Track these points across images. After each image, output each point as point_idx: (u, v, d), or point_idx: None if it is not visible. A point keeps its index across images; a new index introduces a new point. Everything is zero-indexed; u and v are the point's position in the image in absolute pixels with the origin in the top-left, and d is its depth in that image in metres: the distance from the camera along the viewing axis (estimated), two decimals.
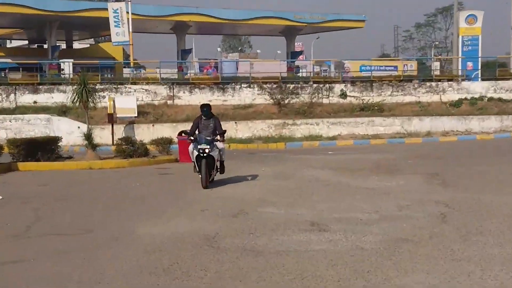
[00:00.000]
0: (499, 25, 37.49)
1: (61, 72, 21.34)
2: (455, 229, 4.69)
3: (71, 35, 30.79)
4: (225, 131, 7.86)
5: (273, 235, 4.46)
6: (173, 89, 18.68)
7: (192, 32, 29.11)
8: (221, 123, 7.89)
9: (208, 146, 7.29)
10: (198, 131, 7.67)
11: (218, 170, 7.85)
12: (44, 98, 17.91)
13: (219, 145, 7.78)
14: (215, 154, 7.46)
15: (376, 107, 17.92)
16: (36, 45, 31.55)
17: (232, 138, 15.63)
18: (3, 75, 22.26)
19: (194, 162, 7.40)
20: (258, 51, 40.50)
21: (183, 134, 9.00)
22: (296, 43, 30.96)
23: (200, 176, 7.22)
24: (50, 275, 3.36)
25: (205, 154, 7.23)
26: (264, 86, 18.45)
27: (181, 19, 25.14)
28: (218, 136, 7.62)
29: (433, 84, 20.22)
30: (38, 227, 5.04)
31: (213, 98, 18.33)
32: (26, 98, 17.78)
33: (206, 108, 7.82)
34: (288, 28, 27.92)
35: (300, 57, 29.98)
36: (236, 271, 3.30)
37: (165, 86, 18.88)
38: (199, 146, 7.28)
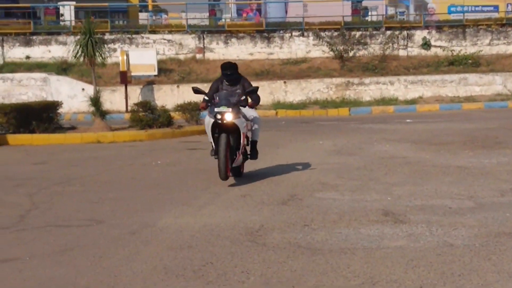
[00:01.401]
0: None
1: (61, 18, 19.82)
2: None
3: None
4: (258, 98, 6.07)
5: (335, 228, 4.29)
6: (203, 39, 17.36)
7: None
8: (258, 87, 6.24)
9: (230, 109, 5.44)
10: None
11: (249, 154, 6.06)
12: (39, 51, 16.75)
13: (249, 112, 5.94)
14: (242, 124, 5.57)
15: (470, 60, 16.25)
16: None
17: (281, 103, 14.75)
18: None
19: (210, 138, 5.64)
20: None
21: (203, 103, 6.49)
22: None
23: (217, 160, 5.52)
24: (49, 278, 3.19)
25: (224, 121, 5.38)
26: (322, 34, 16.83)
27: None
28: (249, 101, 5.91)
29: None
30: (34, 216, 5.12)
31: (255, 50, 17.31)
32: (17, 52, 16.48)
33: (230, 71, 6.01)
34: None
35: None
36: (287, 274, 3.13)
37: (193, 35, 17.51)
38: (216, 109, 5.44)
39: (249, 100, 5.65)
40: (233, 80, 5.76)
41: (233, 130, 5.37)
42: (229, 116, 5.20)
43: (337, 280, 2.81)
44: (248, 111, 5.79)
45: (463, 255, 3.22)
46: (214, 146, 5.33)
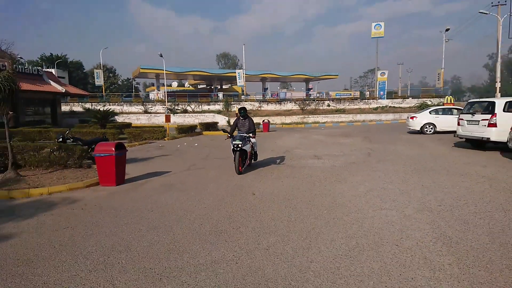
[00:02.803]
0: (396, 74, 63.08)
1: (217, 97, 47.92)
2: (374, 159, 10.87)
3: (222, 82, 62.06)
4: (255, 129, 9.79)
5: (299, 160, 10.59)
6: (260, 103, 43.71)
7: (267, 80, 58.52)
8: (254, 122, 9.95)
9: (241, 142, 9.01)
10: (238, 129, 9.80)
11: (253, 158, 9.99)
12: (211, 107, 43.04)
13: (252, 140, 9.70)
14: (247, 147, 9.24)
15: (341, 110, 40.89)
16: (206, 86, 63.78)
17: (283, 122, 38.05)
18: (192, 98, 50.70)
19: (232, 154, 9.33)
20: (294, 88, 79.39)
21: (227, 136, 10.05)
22: (310, 84, 63.14)
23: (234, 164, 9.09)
24: (219, 184, 7.92)
25: (238, 148, 8.97)
26: (296, 102, 43.37)
27: (263, 75, 53.25)
28: (251, 134, 9.58)
29: (366, 100, 42.69)
30: (211, 156, 12.04)
31: (274, 107, 42.51)
32: (204, 107, 43.54)
33: (243, 110, 9.71)
34: (307, 78, 57.33)
35: (311, 90, 58.58)
36: (288, 171, 9.09)
37: (257, 102, 43.76)
38: (233, 142, 9.07)
39: (251, 134, 9.66)
40: (244, 116, 9.75)
41: (243, 151, 9.23)
42: (241, 145, 9.07)
43: (299, 174, 8.83)
44: (252, 140, 9.74)
45: (339, 168, 9.50)
46: (234, 158, 9.18)
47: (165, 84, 42.56)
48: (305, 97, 46.08)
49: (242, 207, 6.33)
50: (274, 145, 16.08)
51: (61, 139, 11.54)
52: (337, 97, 45.58)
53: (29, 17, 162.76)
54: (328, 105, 42.33)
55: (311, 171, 9.52)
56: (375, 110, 40.77)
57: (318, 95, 49.65)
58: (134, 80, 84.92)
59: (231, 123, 32.59)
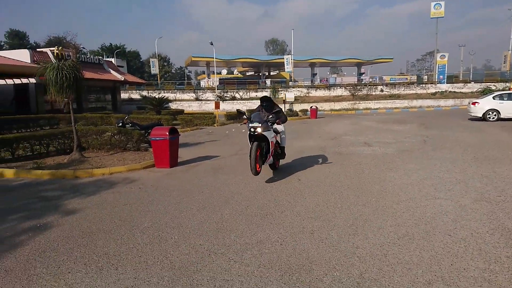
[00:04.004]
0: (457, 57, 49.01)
1: (265, 84, 48.01)
2: (430, 146, 10.24)
3: (269, 69, 61.41)
4: (285, 116, 7.18)
5: (348, 146, 10.38)
6: (308, 90, 42.92)
7: (316, 65, 56.97)
8: (281, 109, 7.16)
9: (260, 124, 6.30)
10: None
11: (279, 156, 7.28)
12: (259, 94, 42.85)
13: (279, 127, 7.11)
14: (269, 135, 6.44)
15: (396, 96, 38.50)
16: (254, 72, 64.24)
17: (332, 109, 36.78)
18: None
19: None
20: (344, 73, 77.15)
21: (244, 119, 7.13)
22: (362, 69, 59.66)
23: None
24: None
25: (255, 133, 6.25)
26: (347, 87, 41.91)
27: (312, 61, 51.59)
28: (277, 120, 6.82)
29: (423, 85, 40.08)
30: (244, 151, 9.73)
31: (323, 93, 41.36)
32: (252, 94, 43.23)
33: (265, 102, 7.01)
34: (358, 62, 53.96)
35: (363, 75, 55.41)
36: (338, 158, 8.91)
37: (305, 88, 43.00)
38: (250, 125, 6.42)
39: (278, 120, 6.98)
40: (268, 108, 7.08)
41: (263, 139, 6.44)
42: (260, 130, 6.29)
43: (348, 160, 8.80)
44: (278, 127, 7.17)
45: (391, 156, 9.06)
46: (250, 150, 6.29)
47: (215, 72, 43.56)
48: (356, 82, 44.50)
49: (287, 192, 6.37)
50: (321, 132, 15.82)
51: (120, 124, 12.33)
52: (392, 82, 43.52)
53: (89, 9, 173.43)
54: (382, 90, 40.53)
55: (360, 158, 9.25)
56: (433, 96, 38.30)
57: (370, 80, 47.72)
58: (186, 69, 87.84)
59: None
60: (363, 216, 5.06)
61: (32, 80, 23.40)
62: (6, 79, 25.37)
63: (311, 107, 26.82)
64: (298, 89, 42.72)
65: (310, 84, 46.04)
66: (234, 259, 3.84)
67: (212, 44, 38.87)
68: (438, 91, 39.55)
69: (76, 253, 4.10)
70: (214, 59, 40.83)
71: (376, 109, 34.68)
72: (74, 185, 7.31)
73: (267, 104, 6.98)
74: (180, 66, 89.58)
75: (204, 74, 64.72)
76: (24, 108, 24.89)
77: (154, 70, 53.20)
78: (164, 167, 8.75)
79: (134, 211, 5.49)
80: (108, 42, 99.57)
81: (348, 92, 40.59)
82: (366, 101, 37.14)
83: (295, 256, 3.85)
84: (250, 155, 6.17)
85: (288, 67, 46.51)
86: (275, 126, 6.93)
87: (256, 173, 6.30)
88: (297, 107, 32.70)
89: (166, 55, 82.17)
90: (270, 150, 6.49)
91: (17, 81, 25.93)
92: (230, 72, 78.84)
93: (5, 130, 15.87)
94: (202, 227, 4.77)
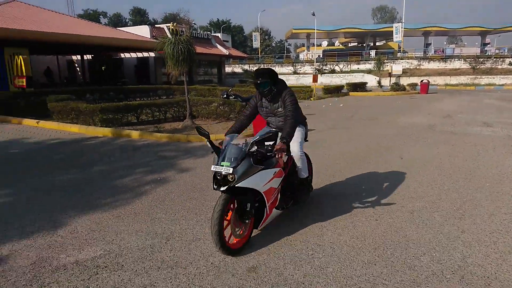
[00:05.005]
0: None
1: (369, 55, 45.21)
2: None
3: (375, 39, 57.46)
4: (303, 120, 4.02)
5: (463, 126, 9.51)
6: (419, 61, 38.84)
7: (431, 34, 50.65)
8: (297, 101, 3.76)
9: (231, 170, 3.10)
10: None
11: (295, 197, 3.90)
12: (361, 66, 40.25)
13: (294, 145, 3.74)
14: (255, 185, 3.25)
15: None
16: (357, 43, 60.73)
17: (447, 84, 32.84)
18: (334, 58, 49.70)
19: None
20: (465, 43, 66.53)
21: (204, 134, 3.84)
22: (487, 38, 51.13)
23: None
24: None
25: (221, 180, 3.15)
26: (467, 59, 36.58)
27: (426, 29, 46.70)
28: (280, 139, 3.46)
29: None
30: (356, 117, 12.11)
31: (437, 66, 37.01)
32: (354, 66, 41.06)
33: (261, 77, 3.71)
34: (483, 31, 46.85)
35: (488, 46, 48.01)
36: (445, 137, 8.06)
37: (416, 60, 39.04)
38: (213, 168, 3.25)
39: (279, 142, 3.41)
40: (268, 93, 3.75)
41: (234, 191, 3.18)
42: (231, 178, 3.09)
43: (461, 141, 7.93)
44: (293, 146, 3.73)
45: None
46: (214, 208, 3.11)
47: (315, 44, 42.55)
48: (478, 54, 38.69)
49: (386, 169, 6.17)
50: (432, 108, 14.83)
51: (225, 96, 13.20)
52: None
53: None
54: (510, 64, 34.52)
55: (476, 139, 8.39)
56: None
57: (497, 51, 40.82)
58: (286, 42, 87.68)
59: (381, 84, 30.33)
60: (473, 201, 4.65)
61: (152, 54, 26.30)
62: (131, 53, 29.05)
63: (421, 81, 24.75)
64: (407, 60, 39.20)
65: (422, 55, 41.62)
66: (327, 227, 3.96)
67: (313, 15, 37.82)
68: None
69: (189, 204, 4.70)
70: (315, 31, 39.74)
71: (502, 85, 30.69)
72: (187, 148, 8.19)
73: (266, 82, 3.74)
74: (280, 39, 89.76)
75: (304, 46, 63.80)
76: (144, 79, 28.25)
77: (256, 44, 54.43)
78: None
79: None
80: (215, 17, 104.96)
81: (468, 65, 35.81)
82: (490, 76, 32.73)
83: (391, 233, 3.79)
84: (211, 219, 3.15)
85: (397, 37, 42.69)
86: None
87: (224, 248, 3.18)
88: (404, 81, 30.71)
89: (267, 29, 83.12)
90: (267, 204, 3.44)
91: (140, 54, 29.47)
92: (331, 44, 76.00)
93: (130, 98, 18.36)
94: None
